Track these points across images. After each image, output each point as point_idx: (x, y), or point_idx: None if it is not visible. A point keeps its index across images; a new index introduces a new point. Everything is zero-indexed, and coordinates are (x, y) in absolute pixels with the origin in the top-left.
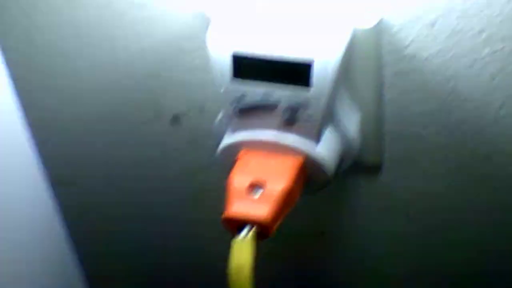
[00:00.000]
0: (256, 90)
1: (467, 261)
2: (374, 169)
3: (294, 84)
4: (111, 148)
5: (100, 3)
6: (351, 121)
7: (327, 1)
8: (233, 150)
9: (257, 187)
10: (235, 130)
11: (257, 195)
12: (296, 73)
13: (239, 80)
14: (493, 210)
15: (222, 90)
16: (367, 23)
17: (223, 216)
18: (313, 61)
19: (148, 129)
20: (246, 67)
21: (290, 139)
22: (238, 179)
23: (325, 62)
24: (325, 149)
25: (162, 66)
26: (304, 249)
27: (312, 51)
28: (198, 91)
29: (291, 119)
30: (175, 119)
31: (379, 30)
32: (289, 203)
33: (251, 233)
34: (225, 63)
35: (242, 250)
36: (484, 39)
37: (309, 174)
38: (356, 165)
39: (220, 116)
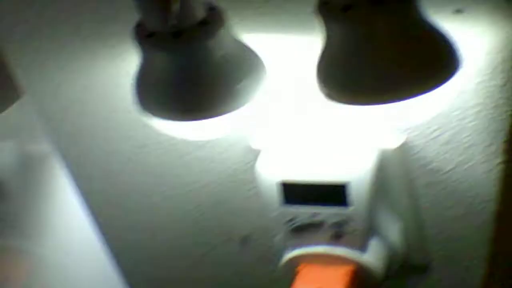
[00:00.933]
0: (304, 212)
1: None
2: (421, 269)
3: (336, 204)
4: (192, 270)
5: (167, 147)
6: (393, 229)
7: (355, 127)
8: (293, 264)
9: None
10: (292, 246)
11: None
12: (336, 194)
13: (288, 204)
14: None
15: (274, 215)
16: (393, 144)
17: None
18: (348, 182)
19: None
20: (293, 193)
21: (339, 250)
22: None
23: (359, 182)
24: (372, 256)
25: (225, 196)
26: None
27: (347, 173)
28: (258, 215)
29: (338, 234)
30: (244, 240)
31: (404, 149)
32: None
33: None
34: (274, 190)
35: None
36: (493, 151)
37: (361, 279)
38: (405, 267)
39: (278, 236)
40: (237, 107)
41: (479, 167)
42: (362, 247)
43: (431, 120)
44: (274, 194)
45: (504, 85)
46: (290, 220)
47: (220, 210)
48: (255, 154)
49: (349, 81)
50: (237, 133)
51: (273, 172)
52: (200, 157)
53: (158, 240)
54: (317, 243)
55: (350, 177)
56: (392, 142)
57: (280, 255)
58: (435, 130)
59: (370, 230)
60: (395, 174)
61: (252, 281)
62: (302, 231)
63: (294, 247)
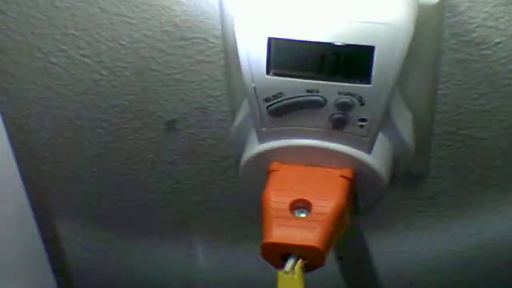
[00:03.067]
0: (298, 85)
1: None
2: (417, 179)
3: (349, 77)
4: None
5: None
6: (405, 122)
7: None
8: (262, 162)
9: (301, 207)
10: (264, 136)
11: (302, 217)
12: (352, 62)
13: (276, 72)
14: None
15: (253, 85)
16: None
17: (263, 242)
18: (374, 47)
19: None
20: (286, 56)
21: (339, 145)
22: (277, 198)
23: (391, 47)
24: (379, 156)
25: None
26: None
27: (373, 34)
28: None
29: (341, 121)
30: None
31: (443, 7)
32: (340, 225)
33: (298, 263)
34: (257, 51)
35: (290, 286)
36: None
37: (360, 188)
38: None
39: (239, 119)
40: None
41: None
42: (370, 143)
43: None
44: (256, 57)
45: None
46: (274, 96)
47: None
48: None
49: None
50: None
51: (259, 24)
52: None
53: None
54: (306, 133)
55: (377, 40)
56: None
57: (238, 149)
58: None
59: (383, 119)
60: (423, 42)
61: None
62: (288, 114)
63: (269, 137)
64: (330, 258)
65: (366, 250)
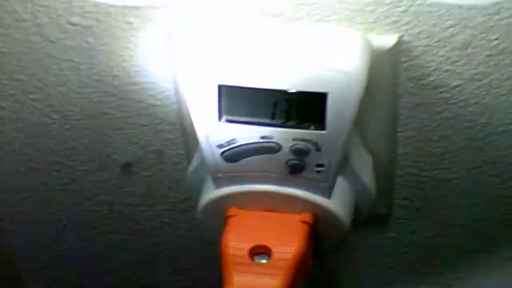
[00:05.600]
0: (251, 132)
1: None
2: (383, 221)
3: (303, 123)
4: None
5: None
6: (364, 165)
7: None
8: (219, 207)
9: (261, 253)
10: (220, 182)
11: (262, 263)
12: (306, 109)
13: (229, 118)
14: None
15: (205, 132)
16: (384, 43)
17: None
18: (327, 93)
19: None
20: (237, 103)
21: (297, 190)
22: (236, 244)
23: (344, 93)
24: (339, 200)
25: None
26: None
27: (326, 81)
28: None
29: (297, 167)
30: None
31: (398, 51)
32: (302, 271)
33: None
34: (208, 99)
35: None
36: None
37: (321, 232)
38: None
39: (195, 163)
40: None
41: (502, 84)
42: (328, 187)
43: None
44: (208, 105)
45: None
46: (227, 143)
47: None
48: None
49: None
50: None
51: (210, 71)
52: None
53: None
54: (264, 179)
55: (330, 85)
56: (383, 41)
57: (195, 193)
58: (447, 28)
59: (340, 164)
60: (379, 86)
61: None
62: (243, 160)
63: (225, 182)
64: None
65: None
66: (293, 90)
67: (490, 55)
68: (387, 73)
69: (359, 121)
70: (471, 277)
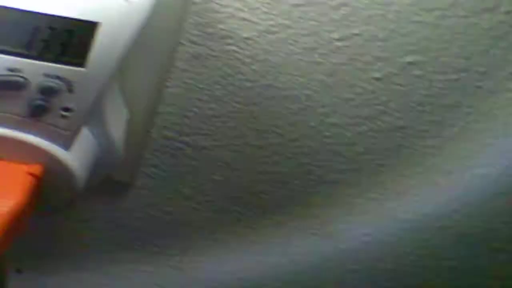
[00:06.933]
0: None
1: None
2: (121, 189)
3: (61, 58)
4: None
5: None
6: (118, 119)
7: None
8: None
9: None
10: None
11: None
12: (69, 40)
13: None
14: None
15: None
16: None
17: None
18: (99, 23)
19: None
20: None
21: (32, 137)
22: None
23: (119, 26)
24: (78, 154)
25: None
26: None
27: (101, 8)
28: None
29: (40, 108)
30: None
31: None
32: (18, 229)
33: None
34: None
35: None
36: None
37: (51, 187)
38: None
39: None
40: None
41: (299, 41)
42: (70, 138)
43: None
44: None
45: None
46: None
47: None
48: None
49: None
50: None
51: None
52: None
53: None
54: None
55: (103, 16)
56: None
57: None
58: None
59: (91, 113)
60: (158, 30)
61: None
62: None
63: None
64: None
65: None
66: (58, 15)
67: (297, 5)
68: (173, 14)
69: (124, 66)
70: (204, 262)
